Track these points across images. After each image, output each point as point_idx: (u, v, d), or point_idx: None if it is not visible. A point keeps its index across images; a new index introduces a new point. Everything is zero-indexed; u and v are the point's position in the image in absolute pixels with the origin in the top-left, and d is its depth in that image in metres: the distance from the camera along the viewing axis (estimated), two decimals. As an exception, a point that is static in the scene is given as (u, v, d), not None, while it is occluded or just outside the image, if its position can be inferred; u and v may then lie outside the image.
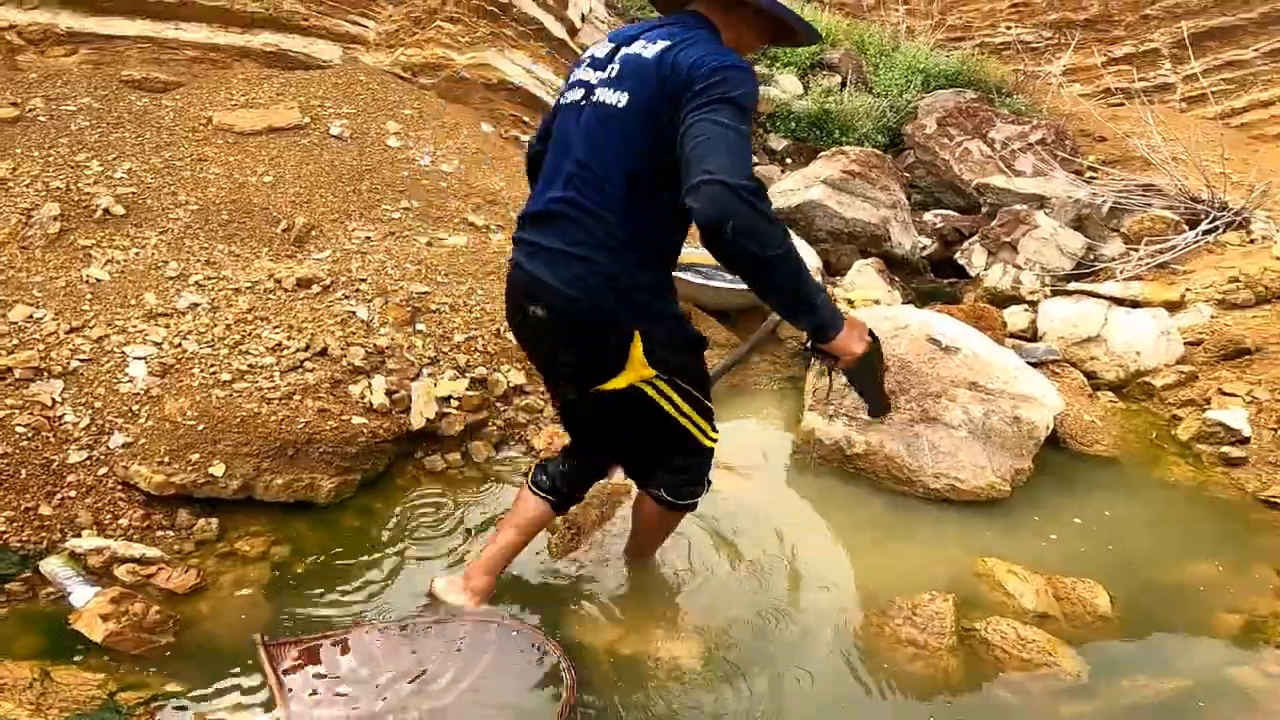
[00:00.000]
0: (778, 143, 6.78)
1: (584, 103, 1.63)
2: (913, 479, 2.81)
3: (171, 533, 2.26)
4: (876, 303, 4.13)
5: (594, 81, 1.62)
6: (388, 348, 2.91)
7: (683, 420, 1.73)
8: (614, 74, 1.59)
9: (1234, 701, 2.03)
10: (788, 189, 5.09)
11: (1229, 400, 3.48)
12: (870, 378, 1.64)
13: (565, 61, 5.96)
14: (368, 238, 3.43)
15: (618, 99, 1.55)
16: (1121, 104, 7.27)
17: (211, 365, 2.61)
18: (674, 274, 1.74)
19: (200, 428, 2.37)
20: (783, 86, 7.18)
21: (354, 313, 2.97)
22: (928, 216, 5.71)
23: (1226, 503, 3.02)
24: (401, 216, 3.65)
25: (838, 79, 7.44)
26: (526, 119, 5.23)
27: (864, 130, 6.73)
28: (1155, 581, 2.52)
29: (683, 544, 2.46)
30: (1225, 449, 3.26)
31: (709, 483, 1.96)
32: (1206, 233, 4.67)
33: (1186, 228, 4.76)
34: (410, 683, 1.78)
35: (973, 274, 4.96)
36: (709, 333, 3.67)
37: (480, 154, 4.42)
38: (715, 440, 1.86)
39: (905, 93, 7.09)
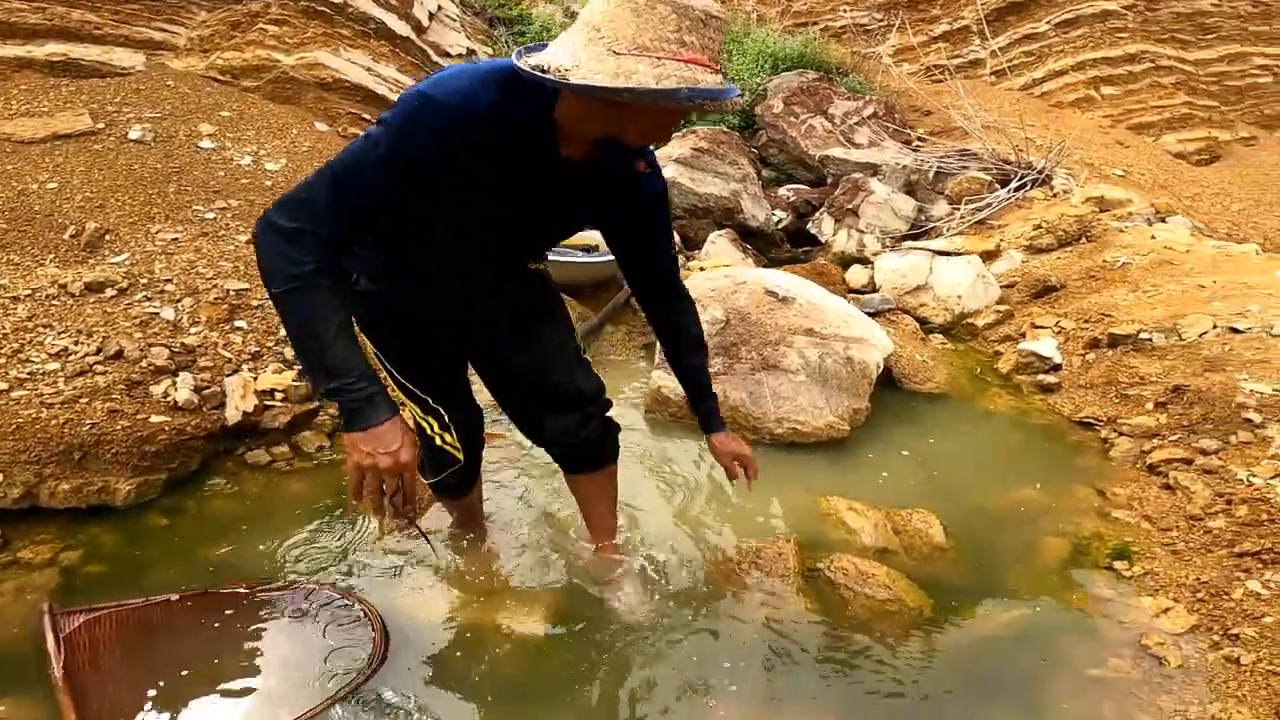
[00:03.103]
0: (638, 132, 6.87)
1: None
2: (758, 426, 2.88)
3: (-52, 544, 2.12)
4: (727, 266, 4.22)
5: None
6: (199, 346, 2.71)
7: (390, 384, 1.71)
8: None
9: (1074, 630, 2.06)
10: (641, 172, 5.15)
11: (1040, 332, 3.79)
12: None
13: (410, 60, 5.77)
14: (174, 239, 3.16)
15: None
16: (941, 79, 7.87)
17: (-15, 378, 2.38)
18: None
19: (-29, 439, 2.19)
20: (640, 79, 7.28)
21: (157, 314, 2.74)
22: (782, 191, 5.95)
23: (1045, 427, 3.19)
24: (217, 216, 3.40)
25: (693, 70, 7.63)
26: (367, 115, 5.00)
27: (721, 114, 6.94)
28: (984, 509, 2.59)
29: (526, 505, 2.40)
30: (1040, 377, 3.54)
31: (444, 484, 1.99)
32: (1016, 189, 5.11)
33: (999, 187, 5.19)
34: (214, 655, 1.77)
35: (823, 241, 5.20)
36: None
37: (314, 151, 4.21)
38: (434, 432, 1.81)
39: (755, 76, 7.38)
